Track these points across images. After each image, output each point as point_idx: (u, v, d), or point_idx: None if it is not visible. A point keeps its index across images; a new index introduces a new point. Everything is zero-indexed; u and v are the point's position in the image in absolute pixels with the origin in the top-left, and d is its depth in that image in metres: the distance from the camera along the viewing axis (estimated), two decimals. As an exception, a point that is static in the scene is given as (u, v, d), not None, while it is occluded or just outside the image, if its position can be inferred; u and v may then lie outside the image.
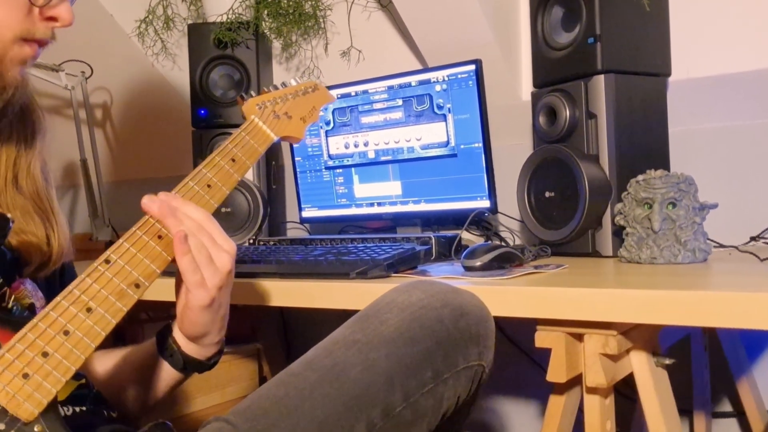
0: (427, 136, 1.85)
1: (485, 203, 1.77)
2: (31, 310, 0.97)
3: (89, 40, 2.52)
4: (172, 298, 1.20)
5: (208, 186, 1.03)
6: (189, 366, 1.07)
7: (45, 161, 1.05)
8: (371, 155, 1.96)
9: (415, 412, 0.96)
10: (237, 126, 1.24)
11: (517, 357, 1.96)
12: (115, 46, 2.54)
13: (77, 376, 0.90)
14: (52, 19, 0.94)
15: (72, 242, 1.08)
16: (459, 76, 1.78)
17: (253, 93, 1.21)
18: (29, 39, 0.93)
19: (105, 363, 1.15)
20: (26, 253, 0.97)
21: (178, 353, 1.05)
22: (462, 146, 1.79)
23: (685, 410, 1.71)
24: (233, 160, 1.08)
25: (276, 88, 1.25)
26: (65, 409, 0.93)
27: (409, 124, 1.87)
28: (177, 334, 1.05)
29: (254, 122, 1.17)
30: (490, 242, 1.67)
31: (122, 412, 1.12)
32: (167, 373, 1.08)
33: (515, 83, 1.96)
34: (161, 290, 1.30)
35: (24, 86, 0.97)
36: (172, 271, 1.51)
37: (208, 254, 0.95)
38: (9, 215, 0.96)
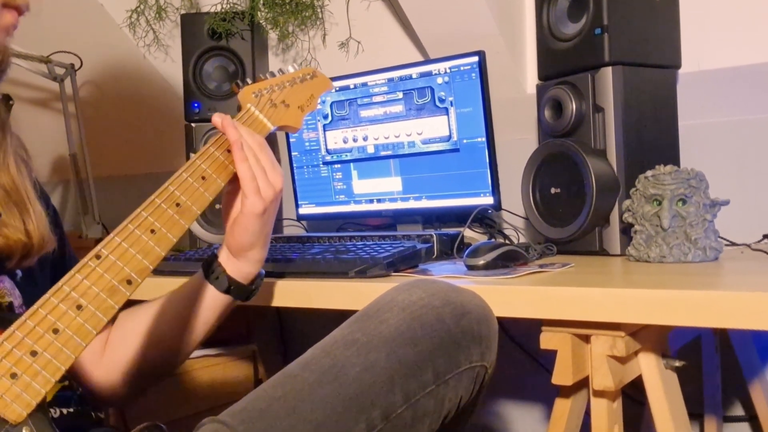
0: (429, 130, 1.85)
1: (488, 200, 1.78)
2: (10, 309, 0.97)
3: (78, 30, 2.52)
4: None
5: (203, 178, 1.03)
6: (233, 288, 1.16)
7: (21, 150, 1.05)
8: (370, 150, 1.96)
9: (415, 414, 0.96)
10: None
11: (522, 359, 1.96)
12: (106, 36, 2.54)
13: (61, 377, 0.90)
14: None
15: (61, 234, 1.09)
16: (461, 68, 1.78)
17: (249, 80, 1.21)
18: (10, 5, 0.96)
19: (140, 315, 1.20)
20: (7, 248, 0.98)
21: (224, 275, 1.16)
22: (465, 141, 1.79)
23: (696, 414, 1.72)
24: (228, 151, 1.08)
25: (273, 75, 1.25)
26: (52, 411, 0.94)
27: (410, 118, 1.87)
28: (223, 258, 1.17)
29: (250, 111, 1.17)
30: (493, 240, 1.67)
31: (116, 397, 1.18)
32: (211, 301, 1.17)
33: (520, 75, 1.96)
34: (153, 290, 1.30)
35: (9, 55, 1.00)
36: (163, 269, 1.51)
37: (263, 169, 1.09)
38: None
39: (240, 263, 1.16)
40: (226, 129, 1.09)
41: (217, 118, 1.10)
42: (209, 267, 1.17)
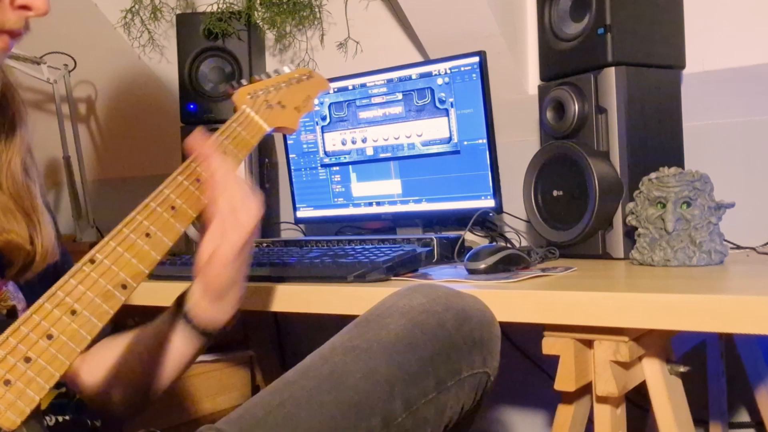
0: (429, 131, 1.85)
1: (490, 202, 1.78)
2: (13, 313, 0.97)
3: (72, 31, 2.52)
4: (160, 303, 1.21)
5: (198, 180, 1.03)
6: (208, 330, 1.08)
7: (29, 156, 1.05)
8: (370, 152, 1.96)
9: (416, 422, 0.96)
10: (228, 121, 1.25)
11: (524, 364, 1.96)
12: (100, 37, 2.54)
13: (57, 384, 0.90)
14: (25, 8, 0.93)
15: (58, 241, 1.08)
16: (462, 68, 1.78)
17: (244, 82, 1.21)
18: (0, 30, 0.93)
19: (111, 348, 1.14)
20: (9, 254, 0.97)
21: (199, 317, 1.06)
22: (465, 142, 1.80)
23: (701, 420, 1.72)
24: (224, 153, 1.08)
25: (268, 75, 1.25)
26: (48, 418, 0.94)
27: (410, 120, 1.87)
28: (197, 299, 1.06)
29: (246, 112, 1.17)
30: (494, 244, 1.67)
31: (110, 414, 1.14)
32: (184, 343, 1.09)
33: (521, 76, 1.96)
34: (149, 295, 1.30)
35: (2, 79, 0.98)
36: (159, 274, 1.51)
37: (242, 197, 1.01)
38: None
39: (218, 305, 1.06)
40: (210, 157, 1.03)
41: (194, 143, 1.04)
42: (182, 309, 1.09)
